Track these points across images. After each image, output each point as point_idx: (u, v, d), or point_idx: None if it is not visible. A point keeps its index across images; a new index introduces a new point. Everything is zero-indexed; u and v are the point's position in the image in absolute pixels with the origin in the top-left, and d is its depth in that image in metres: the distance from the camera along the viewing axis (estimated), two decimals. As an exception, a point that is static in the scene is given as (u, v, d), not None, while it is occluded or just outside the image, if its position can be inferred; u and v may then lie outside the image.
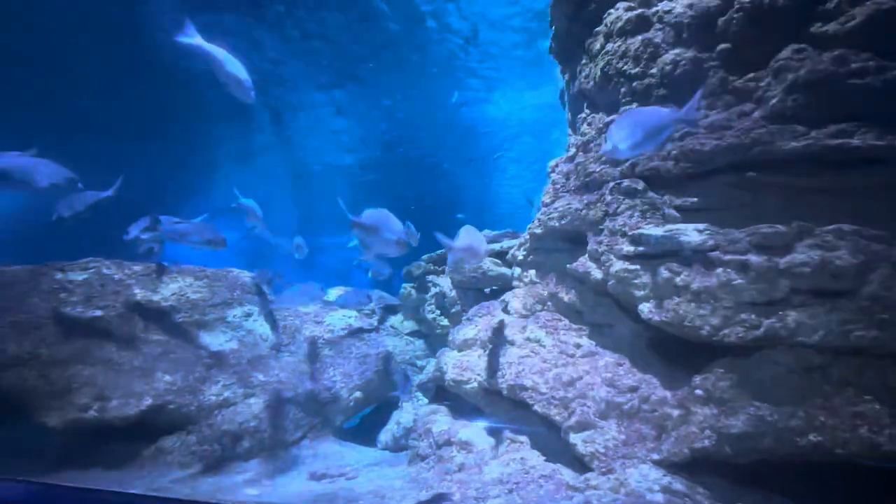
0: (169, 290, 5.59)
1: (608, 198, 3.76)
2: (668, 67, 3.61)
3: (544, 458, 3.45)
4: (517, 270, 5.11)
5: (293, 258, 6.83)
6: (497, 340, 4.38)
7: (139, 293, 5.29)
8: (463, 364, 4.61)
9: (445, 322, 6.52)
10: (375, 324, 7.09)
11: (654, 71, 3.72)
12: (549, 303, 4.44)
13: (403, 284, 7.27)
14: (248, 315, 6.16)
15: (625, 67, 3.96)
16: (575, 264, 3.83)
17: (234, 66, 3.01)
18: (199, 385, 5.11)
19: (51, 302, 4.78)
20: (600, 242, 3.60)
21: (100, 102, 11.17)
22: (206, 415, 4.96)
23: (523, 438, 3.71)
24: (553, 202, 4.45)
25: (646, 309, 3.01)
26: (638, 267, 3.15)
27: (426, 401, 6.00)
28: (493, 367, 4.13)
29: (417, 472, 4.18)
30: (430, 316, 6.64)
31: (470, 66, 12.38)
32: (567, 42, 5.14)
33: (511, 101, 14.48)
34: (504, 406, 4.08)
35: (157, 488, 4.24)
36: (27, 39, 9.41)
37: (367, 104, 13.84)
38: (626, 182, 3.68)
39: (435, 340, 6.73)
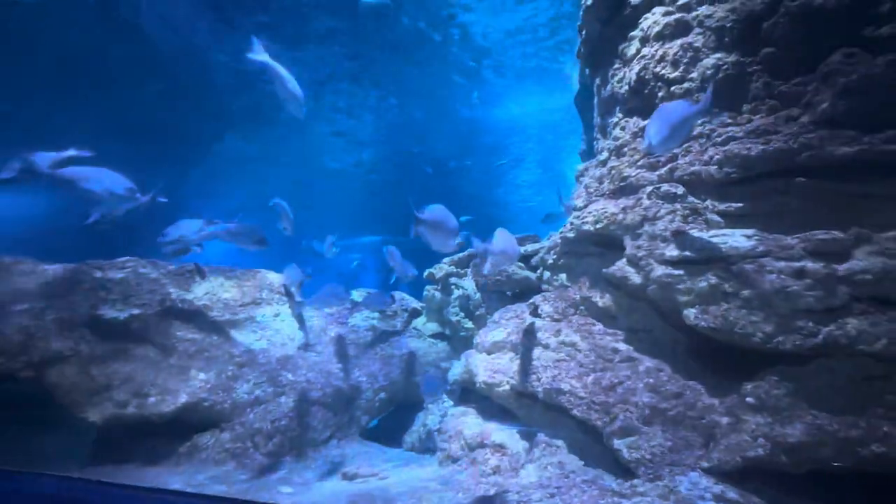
0: (201, 290, 5.66)
1: (646, 202, 3.71)
2: (709, 72, 3.56)
3: (582, 462, 3.41)
4: (546, 274, 5.07)
5: (305, 259, 6.86)
6: (529, 344, 4.35)
7: (174, 292, 5.36)
8: (494, 367, 4.58)
9: (470, 324, 6.49)
10: (398, 325, 7.09)
11: (694, 75, 3.67)
12: (581, 307, 4.39)
13: (427, 286, 7.25)
14: (276, 315, 6.21)
15: (663, 72, 3.92)
16: (612, 269, 3.79)
17: (293, 84, 3.24)
18: (232, 383, 5.15)
19: (90, 300, 4.86)
20: (639, 247, 3.55)
21: (118, 107, 11.39)
22: (238, 413, 5.00)
23: (559, 442, 3.66)
24: (586, 206, 4.41)
25: (691, 315, 2.96)
26: (682, 272, 3.10)
27: (451, 403, 5.98)
28: (526, 371, 4.09)
29: (450, 473, 4.15)
30: (454, 318, 6.62)
31: (483, 73, 12.37)
32: (598, 46, 5.10)
33: (521, 105, 14.47)
34: (538, 409, 4.04)
35: (195, 485, 4.27)
36: (52, 46, 9.62)
37: (375, 105, 13.84)
38: (664, 186, 3.63)
39: (459, 342, 6.70)
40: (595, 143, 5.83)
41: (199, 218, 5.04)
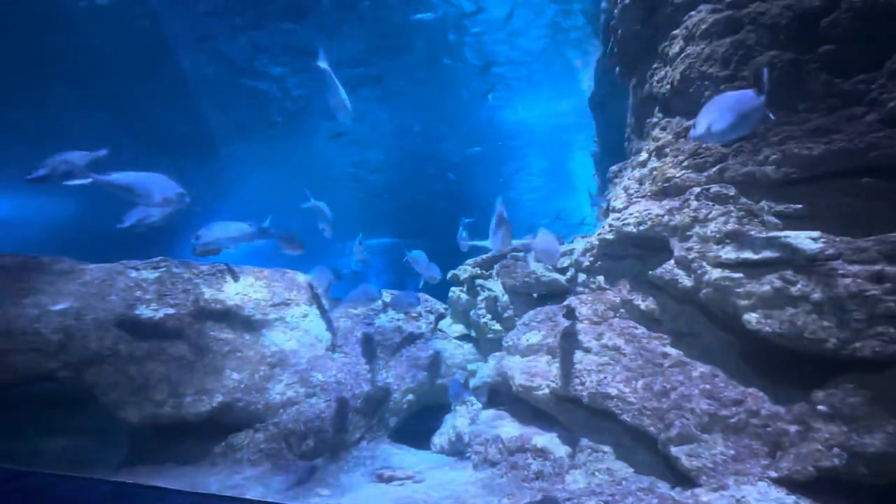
0: (233, 290, 5.63)
1: (694, 203, 3.61)
2: (763, 70, 3.45)
3: (632, 469, 3.31)
4: (582, 276, 4.98)
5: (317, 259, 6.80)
6: (569, 347, 4.26)
7: (207, 292, 5.34)
8: (531, 370, 4.49)
9: (497, 326, 6.40)
10: (424, 327, 7.02)
11: (746, 73, 3.57)
12: (622, 310, 4.30)
13: (452, 288, 7.18)
14: (305, 315, 6.17)
15: (710, 70, 3.82)
16: (659, 271, 3.69)
17: (344, 94, 3.49)
18: (265, 384, 5.11)
19: (127, 300, 4.85)
20: (689, 249, 3.45)
21: (141, 115, 11.49)
22: (272, 413, 4.96)
23: (606, 448, 3.57)
24: (626, 207, 4.32)
25: (753, 319, 2.86)
26: (741, 275, 3.00)
27: (479, 405, 5.90)
28: (567, 374, 4.00)
29: (490, 478, 4.07)
30: (481, 320, 6.54)
31: (497, 72, 12.25)
32: (634, 46, 5.01)
33: (530, 108, 14.38)
34: (580, 414, 3.95)
35: (232, 486, 4.23)
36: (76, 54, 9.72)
37: (383, 108, 13.78)
38: (715, 187, 3.52)
39: (486, 344, 6.62)
40: (627, 143, 5.73)
41: (230, 220, 5.06)
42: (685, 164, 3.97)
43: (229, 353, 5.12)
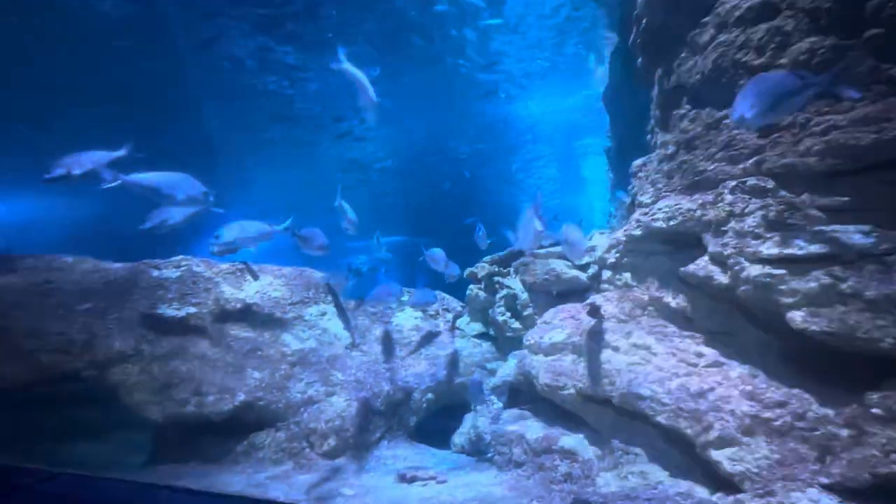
0: (252, 289, 5.63)
1: (729, 197, 3.47)
2: (802, 57, 3.30)
3: (667, 472, 3.20)
4: (607, 273, 4.85)
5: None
6: (595, 346, 4.15)
7: (227, 291, 5.33)
8: (556, 369, 4.39)
9: (517, 325, 6.30)
10: (441, 325, 6.95)
11: (783, 61, 3.41)
12: (650, 308, 4.17)
13: (469, 286, 7.09)
14: (323, 314, 6.15)
15: (745, 58, 3.66)
16: (692, 268, 3.56)
17: (371, 92, 3.54)
18: (285, 382, 5.10)
19: (149, 299, 4.86)
20: (725, 245, 3.32)
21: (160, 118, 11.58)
22: (293, 412, 4.94)
23: (637, 450, 3.46)
24: (655, 202, 4.18)
25: (798, 318, 2.72)
26: (784, 271, 2.87)
27: (500, 404, 5.81)
28: (595, 374, 3.90)
29: (515, 479, 4.00)
30: (500, 318, 6.44)
31: (506, 67, 12.07)
32: (661, 36, 4.84)
33: (539, 104, 14.18)
34: (608, 415, 3.84)
35: (255, 484, 4.22)
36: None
37: (391, 105, 13.62)
38: (752, 180, 3.38)
39: (505, 343, 6.53)
40: (651, 136, 5.57)
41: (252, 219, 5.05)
42: (717, 156, 3.82)
43: (250, 352, 5.11)
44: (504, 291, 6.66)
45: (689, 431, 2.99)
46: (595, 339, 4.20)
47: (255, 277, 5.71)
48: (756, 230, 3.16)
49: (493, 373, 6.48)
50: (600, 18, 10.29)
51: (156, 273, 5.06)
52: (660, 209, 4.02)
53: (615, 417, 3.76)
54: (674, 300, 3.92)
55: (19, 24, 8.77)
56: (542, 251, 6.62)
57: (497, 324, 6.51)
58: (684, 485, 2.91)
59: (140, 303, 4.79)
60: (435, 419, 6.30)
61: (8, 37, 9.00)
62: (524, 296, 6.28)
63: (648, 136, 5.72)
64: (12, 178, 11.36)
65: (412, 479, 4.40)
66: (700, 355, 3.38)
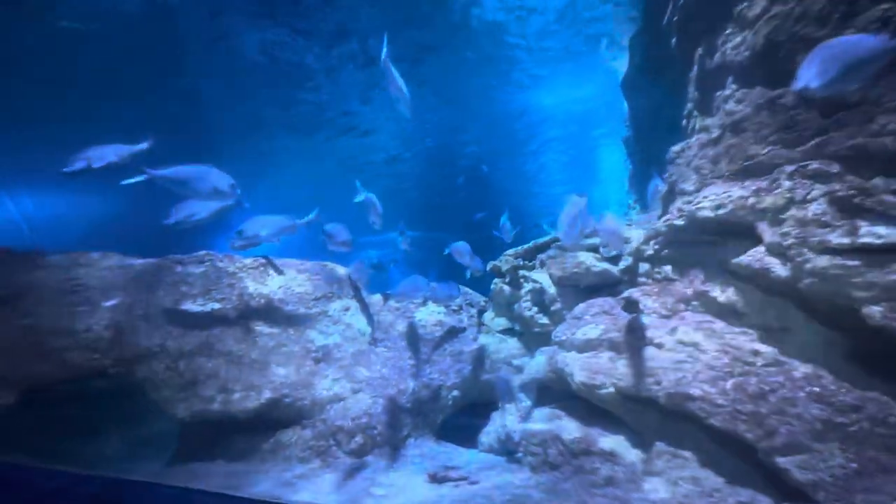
0: (276, 284, 5.53)
1: (787, 183, 3.20)
2: (873, 26, 2.99)
3: (722, 479, 2.98)
4: (644, 266, 4.61)
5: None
6: (636, 342, 3.93)
7: (251, 286, 5.25)
8: (592, 367, 4.19)
9: (545, 320, 6.09)
10: (465, 321, 6.78)
11: (850, 32, 3.11)
12: (694, 302, 3.93)
13: (494, 280, 6.90)
14: (347, 309, 6.04)
15: (803, 31, 3.36)
16: (745, 260, 3.31)
17: (405, 88, 3.55)
18: (311, 379, 5.00)
19: (174, 295, 4.80)
20: (785, 234, 3.06)
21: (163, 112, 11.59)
22: (319, 409, 4.85)
23: (686, 454, 3.25)
24: (699, 190, 3.92)
25: (876, 313, 2.47)
26: (858, 262, 2.61)
27: (529, 402, 5.63)
28: (638, 373, 3.68)
29: (552, 482, 3.82)
30: (527, 313, 6.24)
31: (516, 55, 11.71)
32: (702, 12, 4.55)
33: (554, 94, 13.79)
34: (652, 416, 3.63)
35: (284, 483, 4.14)
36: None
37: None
38: (814, 164, 3.11)
39: (532, 339, 6.33)
40: (687, 121, 5.27)
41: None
42: (772, 139, 3.54)
43: (275, 348, 5.02)
44: (530, 285, 6.45)
45: (749, 436, 2.77)
46: (635, 336, 3.98)
47: (279, 272, 5.62)
48: (822, 218, 2.89)
49: (519, 369, 6.30)
50: (621, 4, 9.90)
51: (180, 269, 5.00)
52: (706, 197, 3.76)
53: (660, 418, 3.54)
54: (722, 294, 3.67)
55: (45, 25, 8.84)
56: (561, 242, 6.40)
57: (524, 319, 6.31)
58: (745, 493, 2.70)
59: (165, 299, 4.73)
60: (460, 416, 6.16)
61: (35, 37, 9.07)
62: (552, 290, 6.06)
63: (684, 121, 5.43)
64: (39, 174, 11.58)
65: (443, 480, 4.27)
66: (756, 353, 3.14)
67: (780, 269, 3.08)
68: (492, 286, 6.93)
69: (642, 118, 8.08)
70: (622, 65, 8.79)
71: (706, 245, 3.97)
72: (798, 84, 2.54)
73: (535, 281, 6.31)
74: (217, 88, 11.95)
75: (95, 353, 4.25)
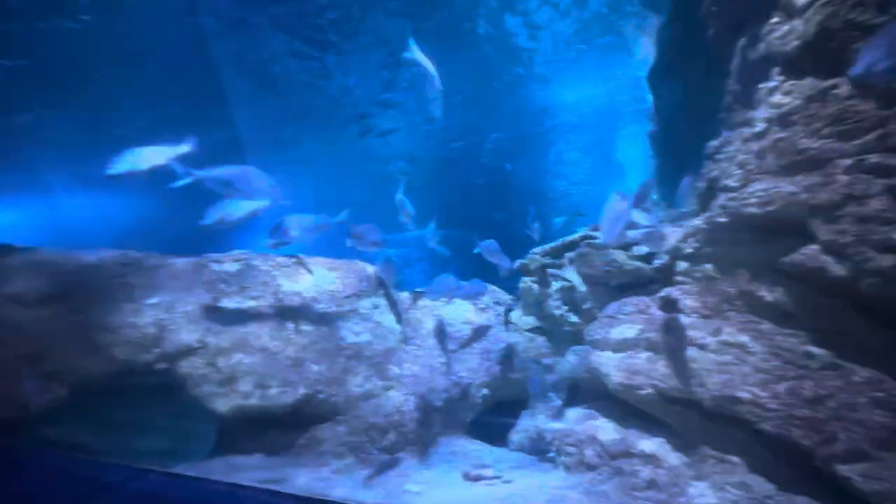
0: (308, 282, 5.61)
1: (843, 178, 3.06)
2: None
3: (774, 485, 2.88)
4: (683, 264, 4.49)
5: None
6: (676, 343, 3.83)
7: (284, 284, 5.34)
8: (630, 367, 4.11)
9: (575, 319, 6.01)
10: (493, 318, 6.75)
11: (915, 18, 2.94)
12: (737, 302, 3.80)
13: (522, 278, 6.84)
14: (376, 307, 6.08)
15: (861, 18, 3.20)
16: (798, 258, 3.18)
17: (439, 83, 3.57)
18: (343, 376, 5.06)
19: (212, 293, 4.92)
20: (843, 232, 2.92)
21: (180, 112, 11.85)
22: (352, 406, 4.90)
23: (735, 459, 3.15)
24: (744, 185, 3.78)
25: (950, 315, 2.33)
26: (929, 261, 2.47)
27: (559, 402, 5.58)
28: (680, 374, 3.59)
29: (589, 483, 3.77)
30: (556, 312, 6.16)
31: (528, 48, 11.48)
32: (742, 2, 4.38)
33: (572, 89, 13.52)
34: (694, 418, 3.53)
35: (321, 478, 4.20)
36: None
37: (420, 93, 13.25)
38: (874, 157, 2.95)
39: (561, 338, 6.25)
40: (727, 114, 5.09)
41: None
42: (824, 132, 3.38)
43: (308, 346, 5.10)
44: (559, 284, 6.36)
45: (805, 442, 2.66)
46: (675, 336, 3.88)
47: (310, 271, 5.70)
48: (884, 214, 2.75)
49: (549, 368, 6.23)
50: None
51: (217, 267, 5.12)
52: (752, 193, 3.63)
53: (703, 421, 3.45)
54: (769, 294, 3.54)
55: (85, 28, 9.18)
56: (596, 241, 6.29)
57: (553, 318, 6.24)
58: (800, 501, 2.60)
59: (204, 296, 4.86)
60: (488, 415, 6.15)
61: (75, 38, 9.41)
62: (583, 288, 5.97)
63: (722, 115, 5.25)
64: (73, 175, 12.07)
65: (477, 478, 4.26)
66: (810, 356, 3.02)
67: (836, 268, 2.95)
68: (520, 284, 6.87)
69: (669, 112, 7.85)
70: (647, 57, 8.56)
71: (751, 243, 3.83)
72: (857, 69, 2.40)
73: (564, 279, 6.23)
74: (242, 88, 12.17)
75: (140, 350, 4.39)
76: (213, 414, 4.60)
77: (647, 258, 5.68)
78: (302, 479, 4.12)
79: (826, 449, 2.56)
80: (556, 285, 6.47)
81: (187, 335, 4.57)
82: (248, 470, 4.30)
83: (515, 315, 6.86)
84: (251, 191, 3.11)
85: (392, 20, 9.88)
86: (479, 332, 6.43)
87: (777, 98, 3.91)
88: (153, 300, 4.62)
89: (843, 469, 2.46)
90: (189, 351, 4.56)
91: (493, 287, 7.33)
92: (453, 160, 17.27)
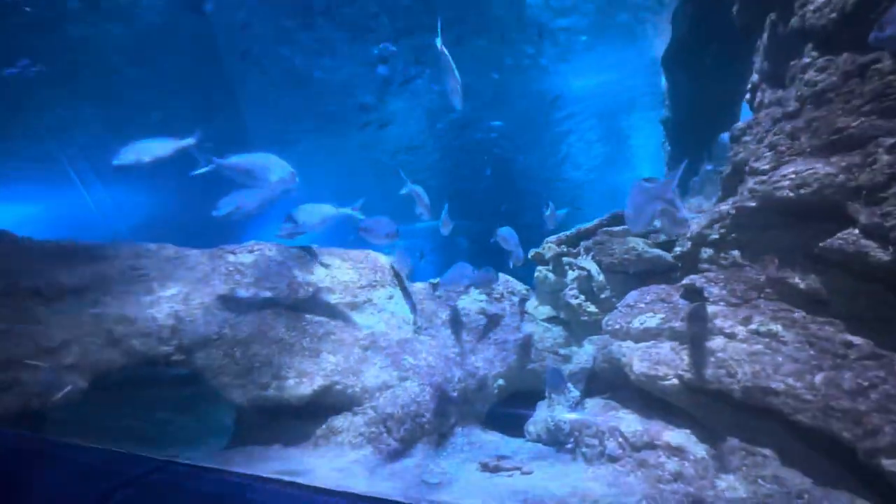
0: (323, 272, 5.56)
1: (886, 157, 2.87)
2: None
3: (810, 479, 2.76)
4: (707, 251, 4.33)
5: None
6: (702, 332, 3.69)
7: (299, 275, 5.29)
8: (653, 357, 3.99)
9: (593, 308, 5.89)
10: (508, 308, 6.65)
11: (969, -17, 2.72)
12: (767, 289, 3.64)
13: (538, 267, 6.72)
14: (390, 297, 6.02)
15: (907, -14, 2.97)
16: (837, 242, 3.01)
17: (459, 77, 3.52)
18: (359, 366, 5.02)
19: (228, 284, 4.89)
20: (887, 215, 2.75)
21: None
22: (368, 396, 4.86)
23: (766, 451, 3.03)
24: (776, 168, 3.60)
25: None
26: (984, 244, 2.30)
27: (577, 393, 5.48)
28: (707, 364, 3.46)
29: (612, 475, 3.68)
30: (573, 301, 6.04)
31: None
32: (774, -27, 4.14)
33: (579, 77, 13.14)
34: (723, 410, 3.41)
35: (339, 468, 4.17)
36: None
37: (429, 82, 12.94)
38: (921, 135, 2.76)
39: (578, 327, 6.14)
40: (753, 94, 4.88)
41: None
42: (864, 109, 3.18)
43: (324, 336, 5.06)
44: (576, 273, 6.23)
45: (846, 435, 2.53)
46: (701, 325, 3.74)
47: (325, 261, 5.64)
48: (933, 195, 2.57)
49: (566, 359, 6.13)
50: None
51: (232, 258, 5.08)
52: (784, 176, 3.45)
53: (732, 413, 3.33)
54: (802, 281, 3.38)
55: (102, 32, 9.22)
56: (617, 228, 6.13)
57: (570, 307, 6.12)
58: (841, 497, 2.48)
59: (220, 287, 4.82)
60: (504, 406, 6.08)
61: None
62: (601, 277, 5.84)
63: (748, 95, 5.03)
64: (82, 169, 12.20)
65: (495, 469, 4.20)
66: (849, 345, 2.87)
67: (879, 252, 2.79)
68: (535, 274, 6.75)
69: (685, 95, 7.59)
70: (658, 42, 8.25)
71: (781, 228, 3.67)
72: (882, 32, 2.23)
73: (581, 268, 6.09)
74: (249, 83, 12.10)
75: (158, 341, 4.38)
76: (231, 405, 4.60)
77: (668, 246, 5.53)
78: (321, 471, 4.10)
79: (869, 442, 2.43)
80: (572, 274, 6.34)
81: (204, 326, 4.55)
82: (266, 461, 4.29)
83: (531, 305, 6.74)
84: (273, 179, 3.03)
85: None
86: (494, 322, 6.34)
87: (811, 75, 3.71)
88: (170, 292, 4.61)
89: (889, 464, 2.33)
90: (207, 342, 4.54)
91: (507, 276, 7.22)
92: (459, 148, 17.03)
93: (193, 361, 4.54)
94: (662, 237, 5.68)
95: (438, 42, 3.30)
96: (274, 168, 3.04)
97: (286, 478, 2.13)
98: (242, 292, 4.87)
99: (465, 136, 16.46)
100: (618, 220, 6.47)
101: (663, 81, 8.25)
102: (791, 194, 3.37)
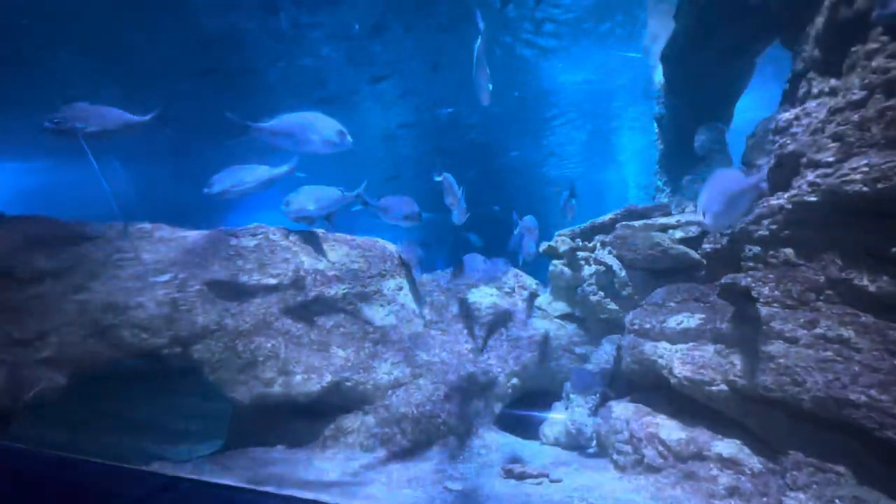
0: (331, 259, 5.05)
1: None
2: None
3: (894, 502, 2.42)
4: (754, 249, 3.97)
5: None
6: (754, 335, 3.33)
7: (306, 261, 4.77)
8: (696, 360, 3.62)
9: (613, 306, 5.52)
10: (520, 304, 6.25)
11: None
12: (828, 291, 3.29)
13: (552, 262, 6.32)
14: (400, 288, 5.55)
15: None
16: (924, 241, 2.65)
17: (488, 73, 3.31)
18: (370, 362, 4.55)
19: (229, 269, 4.35)
20: None
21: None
22: (380, 395, 4.41)
23: (840, 469, 2.69)
24: (844, 160, 3.24)
25: None
26: None
27: (597, 394, 5.11)
28: (764, 370, 3.10)
29: (655, 487, 3.31)
30: (592, 298, 5.67)
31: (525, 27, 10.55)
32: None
33: (567, 72, 12.64)
34: (781, 420, 3.06)
35: (350, 472, 3.72)
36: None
37: (423, 75, 12.25)
38: None
39: (595, 325, 5.77)
40: (800, 84, 4.50)
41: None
42: (956, 96, 2.82)
43: (333, 328, 4.57)
44: (594, 268, 5.85)
45: (950, 457, 2.19)
46: (753, 328, 3.38)
47: (332, 247, 5.13)
48: None
49: (582, 358, 5.77)
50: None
51: (234, 241, 4.53)
52: (855, 168, 3.08)
53: (793, 424, 2.98)
54: (872, 283, 3.03)
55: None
56: (637, 223, 5.75)
57: (588, 304, 5.74)
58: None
59: (220, 273, 4.28)
60: (513, 406, 5.67)
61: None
62: (622, 273, 5.46)
63: (791, 84, 4.67)
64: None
65: (521, 476, 3.80)
66: (939, 355, 2.53)
67: (979, 253, 2.43)
68: (550, 268, 6.35)
69: (687, 91, 7.22)
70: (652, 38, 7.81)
71: (844, 225, 3.31)
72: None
73: (601, 263, 5.71)
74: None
75: (149, 333, 3.83)
76: (232, 402, 4.08)
77: (694, 242, 5.18)
78: (331, 476, 3.64)
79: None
80: (589, 270, 5.96)
81: (203, 316, 4.01)
82: (269, 464, 3.81)
83: (545, 301, 6.35)
84: (317, 141, 2.54)
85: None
86: (507, 318, 5.93)
87: (879, 62, 3.33)
88: (164, 277, 4.04)
89: None
90: (205, 334, 4.00)
91: (517, 270, 6.80)
92: (442, 136, 16.38)
93: (191, 355, 4.00)
94: (684, 233, 5.34)
95: (478, 43, 2.97)
96: (320, 127, 2.55)
97: (295, 485, 1.70)
98: (245, 278, 4.33)
99: (448, 126, 15.73)
100: (632, 214, 6.11)
101: (659, 78, 7.86)
102: (864, 188, 3.01)
